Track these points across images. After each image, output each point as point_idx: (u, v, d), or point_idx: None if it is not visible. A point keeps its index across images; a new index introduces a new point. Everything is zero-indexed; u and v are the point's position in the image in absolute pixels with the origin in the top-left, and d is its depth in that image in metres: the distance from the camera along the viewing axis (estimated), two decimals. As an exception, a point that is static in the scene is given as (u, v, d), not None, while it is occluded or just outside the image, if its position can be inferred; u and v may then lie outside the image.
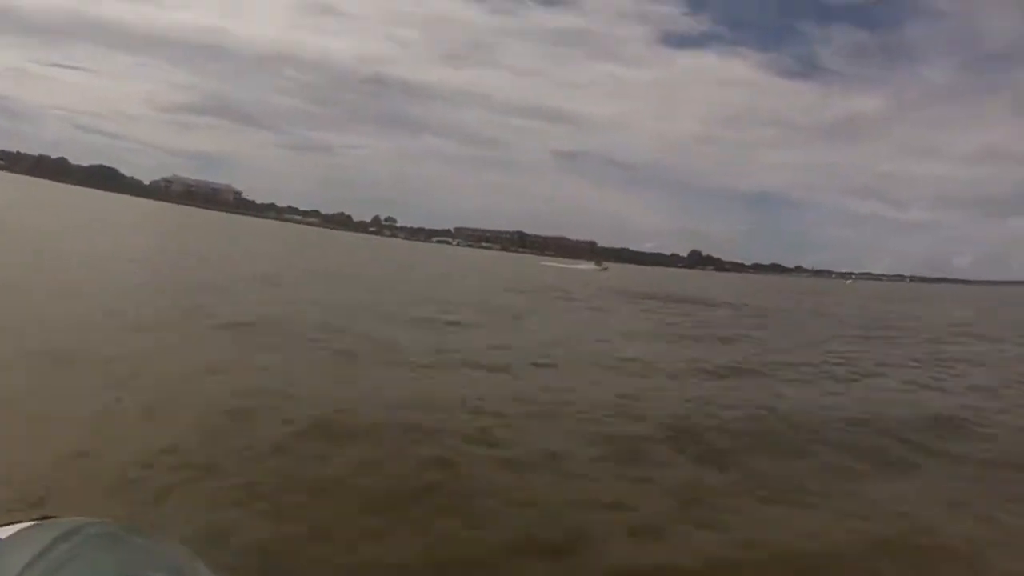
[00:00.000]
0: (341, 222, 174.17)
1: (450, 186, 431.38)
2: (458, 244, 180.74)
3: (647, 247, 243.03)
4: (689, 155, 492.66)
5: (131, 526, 0.74)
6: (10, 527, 0.68)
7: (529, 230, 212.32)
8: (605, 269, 73.95)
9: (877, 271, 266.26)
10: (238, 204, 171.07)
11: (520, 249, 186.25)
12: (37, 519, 0.70)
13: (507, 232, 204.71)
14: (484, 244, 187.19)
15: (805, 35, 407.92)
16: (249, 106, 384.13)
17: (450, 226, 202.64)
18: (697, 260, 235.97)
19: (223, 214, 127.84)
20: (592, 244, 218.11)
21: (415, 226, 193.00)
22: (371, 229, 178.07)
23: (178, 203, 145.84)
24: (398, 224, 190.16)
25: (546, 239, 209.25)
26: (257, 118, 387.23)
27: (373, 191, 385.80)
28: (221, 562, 0.76)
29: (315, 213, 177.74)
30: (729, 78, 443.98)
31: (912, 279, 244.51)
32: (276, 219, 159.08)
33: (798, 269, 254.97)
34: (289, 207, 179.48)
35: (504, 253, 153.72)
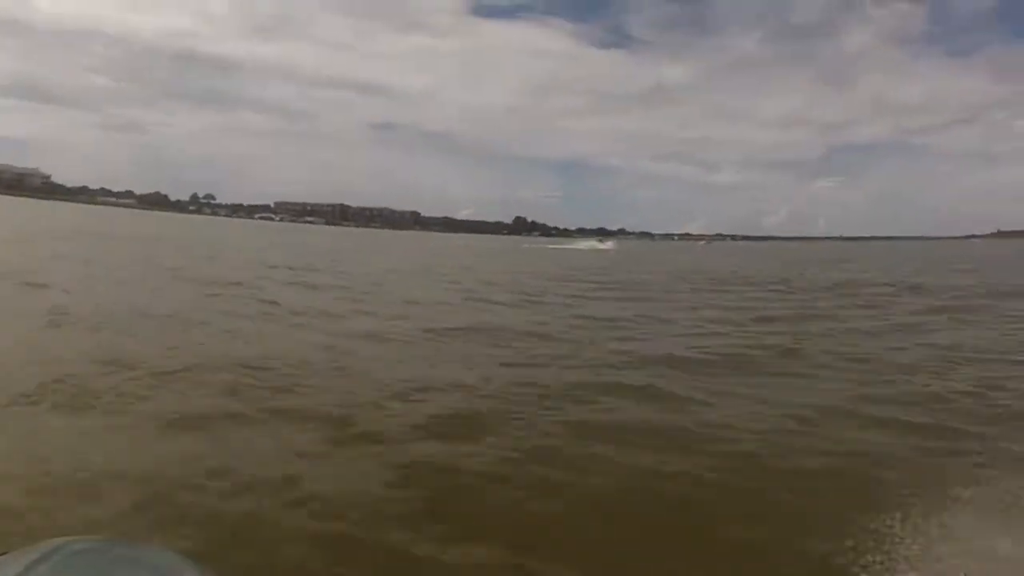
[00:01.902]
0: (157, 202, 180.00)
1: (267, 161, 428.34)
2: (281, 219, 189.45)
3: (463, 215, 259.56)
4: (502, 124, 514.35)
5: (114, 540, 0.76)
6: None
7: (351, 202, 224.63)
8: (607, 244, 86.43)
9: (694, 231, 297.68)
10: (47, 189, 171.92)
11: (344, 222, 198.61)
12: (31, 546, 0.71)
13: (329, 205, 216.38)
14: (308, 219, 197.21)
15: (616, 6, 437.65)
16: (55, 85, 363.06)
17: (270, 201, 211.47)
18: (523, 226, 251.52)
19: (29, 200, 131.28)
20: (416, 214, 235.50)
21: (235, 203, 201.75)
22: (190, 208, 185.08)
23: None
24: (217, 201, 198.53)
25: (370, 211, 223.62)
26: (64, 97, 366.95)
27: (190, 169, 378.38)
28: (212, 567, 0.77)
29: (129, 194, 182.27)
30: (541, 48, 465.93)
31: (734, 238, 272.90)
32: (88, 203, 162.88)
33: (621, 231, 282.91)
34: (102, 189, 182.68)
35: (396, 232, 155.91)
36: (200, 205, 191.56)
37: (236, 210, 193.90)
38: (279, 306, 13.12)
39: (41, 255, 20.08)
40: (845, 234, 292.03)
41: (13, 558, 0.66)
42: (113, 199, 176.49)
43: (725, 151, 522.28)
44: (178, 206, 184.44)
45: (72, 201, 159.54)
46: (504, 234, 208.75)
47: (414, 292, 18.31)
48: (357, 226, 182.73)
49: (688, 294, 21.20)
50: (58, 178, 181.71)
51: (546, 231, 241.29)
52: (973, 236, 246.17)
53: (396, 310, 13.92)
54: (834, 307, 16.63)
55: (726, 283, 25.60)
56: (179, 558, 0.74)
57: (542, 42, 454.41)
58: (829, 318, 14.36)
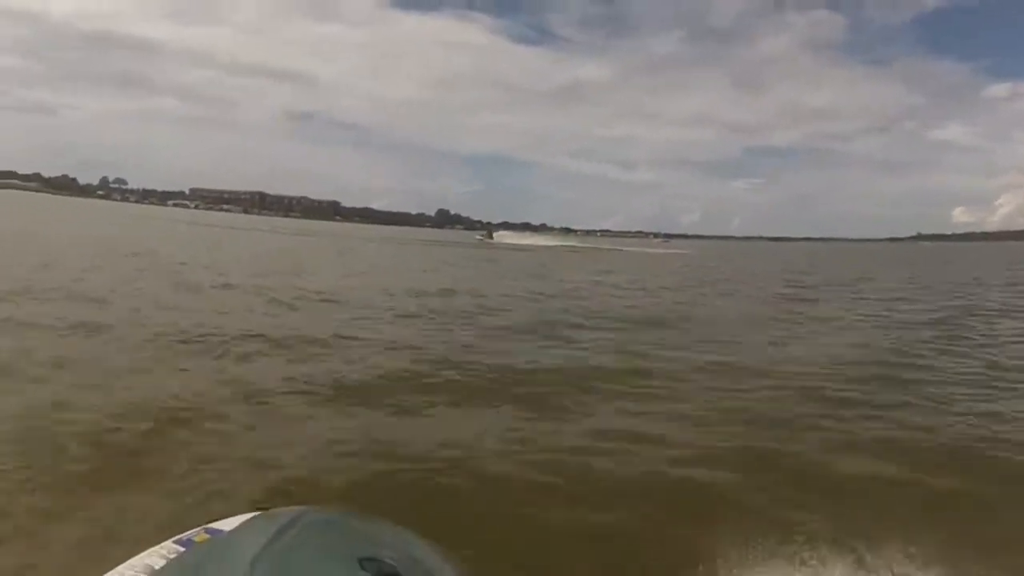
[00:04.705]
0: (65, 186, 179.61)
1: (182, 147, 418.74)
2: (196, 207, 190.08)
3: (376, 205, 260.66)
4: (419, 116, 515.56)
5: (348, 512, 0.78)
6: (233, 519, 0.72)
7: (269, 190, 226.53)
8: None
9: (614, 228, 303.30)
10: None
11: (262, 211, 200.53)
12: (256, 512, 0.75)
13: (246, 192, 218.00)
14: (224, 207, 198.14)
15: (539, 3, 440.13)
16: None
17: (185, 187, 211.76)
18: (446, 219, 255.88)
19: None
20: (336, 204, 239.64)
21: (147, 188, 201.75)
22: (99, 193, 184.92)
23: None
24: (129, 186, 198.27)
25: (288, 199, 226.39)
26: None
27: (101, 153, 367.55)
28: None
29: (36, 177, 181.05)
30: (461, 42, 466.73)
31: (656, 235, 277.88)
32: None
33: (543, 227, 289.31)
34: (7, 171, 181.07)
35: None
36: (109, 190, 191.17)
37: (148, 195, 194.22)
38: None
39: None
40: (763, 234, 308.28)
41: (268, 519, 0.70)
42: (18, 182, 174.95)
43: (642, 149, 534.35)
44: (87, 190, 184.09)
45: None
46: (428, 227, 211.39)
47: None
48: (274, 214, 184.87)
49: None
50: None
51: (470, 224, 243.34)
52: (895, 239, 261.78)
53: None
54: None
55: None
56: (414, 536, 0.75)
57: (462, 36, 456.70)
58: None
